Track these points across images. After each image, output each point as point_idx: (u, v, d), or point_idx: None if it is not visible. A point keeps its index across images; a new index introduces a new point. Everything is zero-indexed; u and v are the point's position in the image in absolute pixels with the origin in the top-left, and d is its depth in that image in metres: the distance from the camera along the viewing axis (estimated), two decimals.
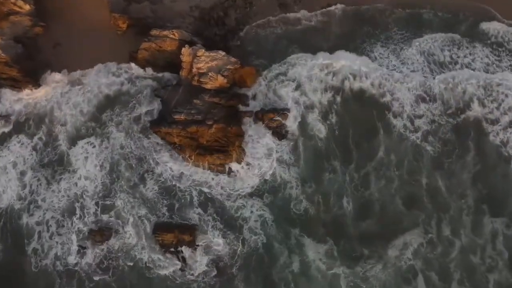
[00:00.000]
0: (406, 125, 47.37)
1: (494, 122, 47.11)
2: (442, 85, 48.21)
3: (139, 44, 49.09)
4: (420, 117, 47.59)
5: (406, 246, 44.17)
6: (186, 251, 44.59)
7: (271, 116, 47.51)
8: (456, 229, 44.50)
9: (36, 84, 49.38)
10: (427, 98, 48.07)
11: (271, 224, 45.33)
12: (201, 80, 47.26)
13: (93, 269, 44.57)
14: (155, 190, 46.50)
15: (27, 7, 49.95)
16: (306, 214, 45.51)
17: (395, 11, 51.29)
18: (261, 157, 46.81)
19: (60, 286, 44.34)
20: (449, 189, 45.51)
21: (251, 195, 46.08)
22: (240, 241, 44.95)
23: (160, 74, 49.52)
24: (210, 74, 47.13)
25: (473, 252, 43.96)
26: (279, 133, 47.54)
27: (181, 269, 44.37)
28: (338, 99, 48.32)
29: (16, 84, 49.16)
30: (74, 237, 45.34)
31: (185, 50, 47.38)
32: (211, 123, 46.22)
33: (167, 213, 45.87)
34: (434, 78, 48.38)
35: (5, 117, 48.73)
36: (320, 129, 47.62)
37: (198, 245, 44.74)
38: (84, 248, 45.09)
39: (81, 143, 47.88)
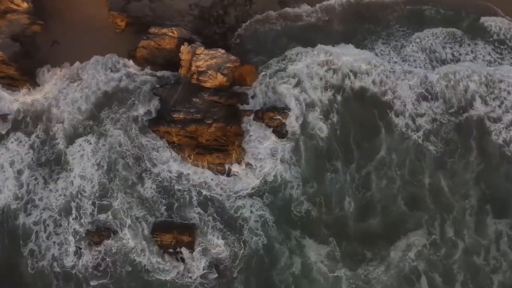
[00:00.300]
0: (408, 124, 46.85)
1: (497, 120, 46.63)
2: (443, 82, 47.70)
3: (137, 43, 48.73)
4: (421, 115, 47.05)
5: (409, 247, 43.57)
6: (185, 252, 43.98)
7: (272, 115, 46.97)
8: (460, 229, 43.92)
9: (34, 82, 49.02)
10: (429, 96, 47.57)
11: (271, 225, 44.76)
12: (201, 78, 46.82)
13: (90, 271, 43.95)
14: (153, 189, 45.93)
15: (24, 5, 49.60)
16: (307, 215, 44.92)
17: (396, 8, 50.91)
18: (263, 157, 46.21)
19: None
20: (452, 189, 44.93)
21: (251, 195, 45.50)
22: (241, 243, 44.35)
23: (159, 73, 49.03)
24: (209, 72, 46.70)
25: (477, 253, 43.36)
26: (280, 132, 46.98)
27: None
28: (339, 98, 47.86)
29: (13, 83, 48.86)
30: (71, 238, 44.79)
31: (184, 48, 46.99)
32: (210, 122, 45.72)
33: (165, 213, 45.31)
34: (434, 73, 47.91)
35: (3, 116, 48.34)
36: (321, 128, 47.10)
37: (197, 247, 44.11)
38: (81, 249, 44.47)
39: (78, 141, 47.40)
